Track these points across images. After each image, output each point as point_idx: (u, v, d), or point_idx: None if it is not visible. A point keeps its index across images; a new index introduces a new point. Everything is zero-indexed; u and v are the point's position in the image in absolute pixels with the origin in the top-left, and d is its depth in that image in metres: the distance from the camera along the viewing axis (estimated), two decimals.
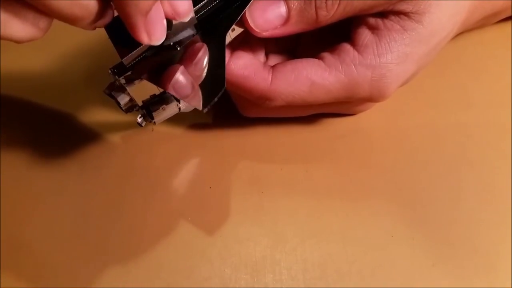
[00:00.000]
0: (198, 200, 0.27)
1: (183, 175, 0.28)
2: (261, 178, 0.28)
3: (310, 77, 0.24)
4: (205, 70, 0.22)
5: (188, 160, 0.29)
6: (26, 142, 0.30)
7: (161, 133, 0.30)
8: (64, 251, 0.26)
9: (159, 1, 0.19)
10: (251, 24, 0.24)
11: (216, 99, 0.22)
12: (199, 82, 0.22)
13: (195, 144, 0.30)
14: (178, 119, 0.30)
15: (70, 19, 0.18)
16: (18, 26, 0.18)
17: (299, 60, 0.25)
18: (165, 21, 0.20)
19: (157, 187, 0.28)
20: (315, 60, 0.25)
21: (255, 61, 0.25)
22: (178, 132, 0.30)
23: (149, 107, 0.25)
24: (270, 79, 0.24)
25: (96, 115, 0.31)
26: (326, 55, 0.25)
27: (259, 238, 0.26)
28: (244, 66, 0.24)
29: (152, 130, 0.30)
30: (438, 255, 0.25)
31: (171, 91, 0.22)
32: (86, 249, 0.26)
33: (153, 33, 0.19)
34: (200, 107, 0.22)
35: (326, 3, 0.23)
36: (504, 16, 0.34)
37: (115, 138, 0.30)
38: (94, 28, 0.20)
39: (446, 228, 0.26)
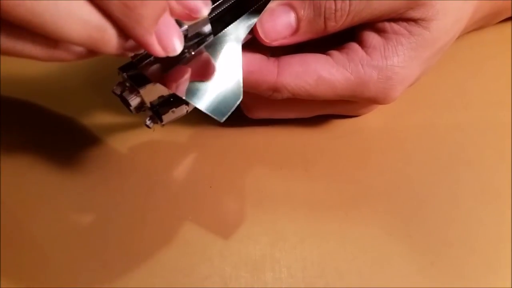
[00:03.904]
0: (199, 199, 0.27)
1: (184, 175, 0.28)
2: (261, 178, 0.28)
3: (317, 71, 0.24)
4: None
5: (189, 159, 0.29)
6: (26, 143, 0.30)
7: (161, 133, 0.30)
8: (64, 251, 0.26)
9: (166, 12, 0.18)
10: (261, 35, 0.24)
11: (234, 109, 0.22)
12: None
13: (196, 144, 0.30)
14: (173, 120, 0.30)
15: (91, 45, 0.17)
16: (32, 49, 0.17)
17: (307, 54, 0.25)
18: (179, 30, 0.19)
19: (157, 187, 0.28)
20: (323, 56, 0.25)
21: (258, 55, 0.25)
22: (178, 132, 0.30)
23: (158, 110, 0.25)
24: (276, 71, 0.25)
25: (96, 115, 0.31)
26: (335, 52, 0.25)
27: (259, 237, 0.26)
28: (248, 62, 0.24)
29: (153, 130, 0.30)
30: (437, 254, 0.25)
31: (173, 90, 0.22)
32: (86, 248, 0.26)
33: (167, 45, 0.18)
34: (218, 117, 0.22)
35: (335, 14, 0.23)
36: (504, 17, 0.34)
37: (116, 138, 0.30)
38: (123, 54, 0.19)
39: (445, 227, 0.26)
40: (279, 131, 0.30)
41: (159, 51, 0.18)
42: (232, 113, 0.22)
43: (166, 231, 0.26)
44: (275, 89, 0.25)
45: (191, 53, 0.22)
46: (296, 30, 0.24)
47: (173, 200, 0.27)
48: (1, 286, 0.24)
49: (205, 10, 0.19)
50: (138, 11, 0.16)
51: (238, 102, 0.22)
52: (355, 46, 0.25)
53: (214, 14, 0.23)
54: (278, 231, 0.26)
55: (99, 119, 0.31)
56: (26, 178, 0.28)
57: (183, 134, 0.30)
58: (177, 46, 0.19)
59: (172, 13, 0.19)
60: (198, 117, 0.30)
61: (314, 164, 0.29)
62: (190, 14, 0.19)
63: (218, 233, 0.26)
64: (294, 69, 0.24)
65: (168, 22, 0.18)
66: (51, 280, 0.25)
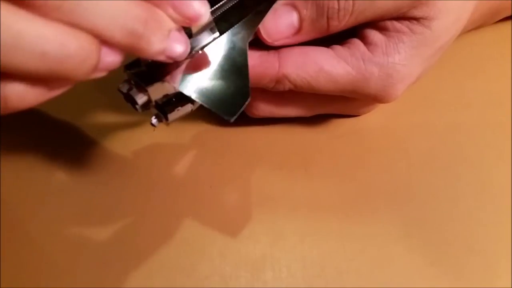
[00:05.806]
0: (199, 199, 0.27)
1: (184, 175, 0.29)
2: (261, 177, 0.28)
3: (318, 63, 0.25)
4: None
5: (189, 159, 0.29)
6: (27, 142, 0.30)
7: (161, 133, 0.30)
8: (64, 250, 0.26)
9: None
10: (264, 34, 0.24)
11: (243, 108, 0.22)
12: None
13: (196, 144, 0.30)
14: (178, 119, 0.30)
15: (58, 76, 0.18)
16: None
17: (309, 46, 0.25)
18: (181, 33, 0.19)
19: (157, 187, 0.28)
20: (324, 48, 0.25)
21: (257, 51, 0.25)
22: (179, 132, 0.30)
23: (164, 108, 0.24)
24: (277, 62, 0.25)
25: (97, 115, 0.31)
26: (337, 46, 0.25)
27: (259, 236, 0.26)
28: (249, 57, 0.24)
29: (154, 130, 0.30)
30: (436, 254, 0.25)
31: (181, 89, 0.22)
32: (86, 248, 0.26)
33: (170, 51, 0.19)
34: (227, 117, 0.22)
35: (338, 14, 0.23)
36: (503, 16, 0.34)
37: (116, 138, 0.30)
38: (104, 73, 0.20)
39: (444, 227, 0.26)
40: (279, 131, 0.30)
41: (181, 50, 0.19)
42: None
43: (166, 230, 0.26)
44: (277, 80, 0.25)
45: (198, 52, 0.22)
46: (298, 30, 0.24)
47: (173, 199, 0.27)
48: (1, 286, 0.24)
49: (203, 17, 0.19)
50: (146, 38, 0.18)
51: (247, 102, 0.22)
52: (357, 41, 0.25)
53: (219, 14, 0.23)
54: (278, 230, 0.26)
55: (99, 118, 0.31)
56: (26, 178, 0.28)
57: (184, 134, 0.30)
58: (181, 49, 0.19)
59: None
60: (198, 118, 0.31)
61: (314, 164, 0.29)
62: (190, 23, 0.19)
63: (218, 232, 0.26)
64: (294, 59, 0.25)
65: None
66: (51, 280, 0.25)
